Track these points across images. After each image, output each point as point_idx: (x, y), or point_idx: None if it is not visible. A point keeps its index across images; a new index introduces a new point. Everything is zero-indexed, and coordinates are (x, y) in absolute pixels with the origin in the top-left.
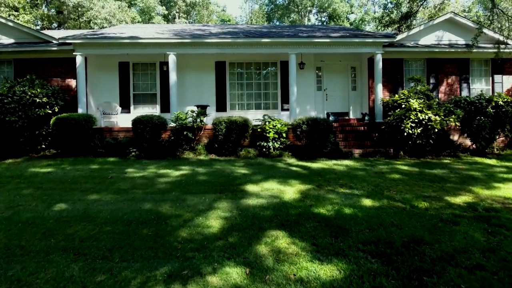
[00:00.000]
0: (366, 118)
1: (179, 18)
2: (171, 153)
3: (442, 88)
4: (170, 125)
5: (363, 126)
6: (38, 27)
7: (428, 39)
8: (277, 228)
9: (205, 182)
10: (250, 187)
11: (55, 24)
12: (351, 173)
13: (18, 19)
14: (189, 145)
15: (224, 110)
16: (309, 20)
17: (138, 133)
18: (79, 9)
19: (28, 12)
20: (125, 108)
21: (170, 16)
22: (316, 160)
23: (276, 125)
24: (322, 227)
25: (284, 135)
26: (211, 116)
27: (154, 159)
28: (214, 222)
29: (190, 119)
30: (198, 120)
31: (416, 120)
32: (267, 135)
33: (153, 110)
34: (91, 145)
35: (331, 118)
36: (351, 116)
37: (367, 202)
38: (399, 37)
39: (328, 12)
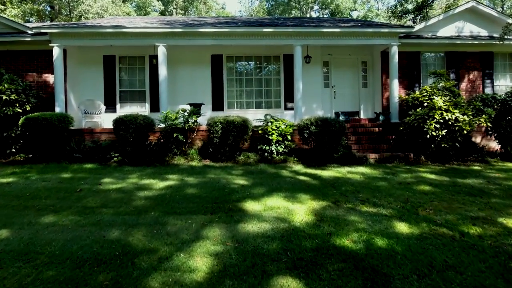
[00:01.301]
0: (381, 118)
1: (176, 15)
2: (159, 159)
3: (463, 84)
4: (159, 126)
5: (377, 127)
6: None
7: (447, 31)
8: (288, 272)
9: (194, 198)
10: (250, 205)
11: (47, 21)
12: (370, 183)
13: (5, 14)
14: (180, 149)
15: (221, 109)
16: (310, 17)
17: (120, 136)
18: (71, 3)
19: (15, 7)
20: (111, 106)
21: (167, 13)
22: (326, 166)
23: (279, 126)
24: (351, 271)
25: (289, 137)
26: (207, 115)
27: (138, 166)
28: (200, 262)
29: (181, 119)
30: (191, 120)
31: (441, 121)
32: (270, 137)
33: (142, 109)
34: (67, 149)
35: (341, 118)
36: (362, 116)
37: (402, 227)
38: (416, 28)
39: (331, 9)
